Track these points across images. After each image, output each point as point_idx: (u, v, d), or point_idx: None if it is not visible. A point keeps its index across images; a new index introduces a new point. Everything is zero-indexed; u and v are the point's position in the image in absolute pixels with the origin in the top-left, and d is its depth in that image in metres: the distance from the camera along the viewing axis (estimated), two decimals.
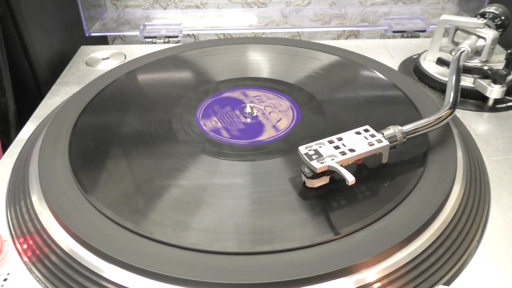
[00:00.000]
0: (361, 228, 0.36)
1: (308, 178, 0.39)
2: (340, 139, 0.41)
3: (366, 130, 0.42)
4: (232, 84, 0.58)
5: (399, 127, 0.42)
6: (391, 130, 0.42)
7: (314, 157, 0.39)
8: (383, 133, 0.42)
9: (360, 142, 0.41)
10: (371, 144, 0.40)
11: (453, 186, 0.41)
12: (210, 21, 0.85)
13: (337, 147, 0.40)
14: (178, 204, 0.39)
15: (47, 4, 0.71)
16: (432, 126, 0.43)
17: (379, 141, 0.41)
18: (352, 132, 0.42)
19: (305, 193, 0.40)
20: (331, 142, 0.41)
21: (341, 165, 0.38)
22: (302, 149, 0.40)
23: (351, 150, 0.40)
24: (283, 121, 0.51)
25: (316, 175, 0.39)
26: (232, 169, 0.43)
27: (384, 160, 0.41)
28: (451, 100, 0.46)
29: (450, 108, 0.45)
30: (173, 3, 0.88)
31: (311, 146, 0.40)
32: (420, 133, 0.43)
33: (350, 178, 0.36)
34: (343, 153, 0.39)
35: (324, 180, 0.40)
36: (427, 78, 0.61)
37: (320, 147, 0.40)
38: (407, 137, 0.42)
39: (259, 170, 0.43)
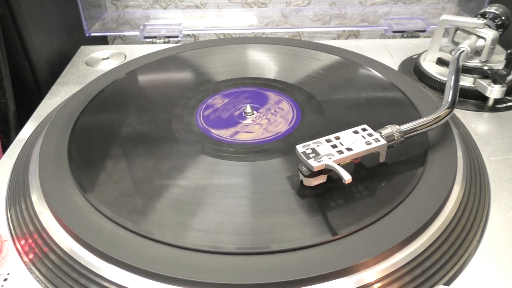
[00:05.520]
0: (361, 228, 0.36)
1: (305, 176, 0.39)
2: (337, 138, 0.41)
3: (364, 129, 0.42)
4: (232, 84, 0.58)
5: (397, 126, 0.42)
6: (388, 129, 0.42)
7: (311, 155, 0.39)
8: (380, 132, 0.42)
9: (358, 141, 0.41)
10: (368, 143, 0.40)
11: (453, 186, 0.41)
12: (210, 21, 0.85)
13: (334, 146, 0.40)
14: (177, 204, 0.39)
15: (47, 4, 0.71)
16: (430, 125, 0.43)
17: (377, 140, 0.41)
18: (349, 131, 0.42)
19: (303, 193, 0.40)
20: (328, 141, 0.41)
21: (339, 164, 0.38)
22: (300, 148, 0.40)
23: (349, 149, 0.40)
24: (282, 121, 0.51)
25: (313, 174, 0.39)
26: (231, 169, 0.43)
27: (382, 159, 0.41)
28: (449, 100, 0.46)
29: (448, 108, 0.45)
30: (173, 3, 0.88)
31: (309, 144, 0.40)
32: (418, 132, 0.43)
33: (347, 177, 0.36)
34: (341, 152, 0.39)
35: (322, 179, 0.40)
36: (427, 78, 0.61)
37: (317, 145, 0.40)
38: (404, 136, 0.42)
39: (258, 170, 0.43)
